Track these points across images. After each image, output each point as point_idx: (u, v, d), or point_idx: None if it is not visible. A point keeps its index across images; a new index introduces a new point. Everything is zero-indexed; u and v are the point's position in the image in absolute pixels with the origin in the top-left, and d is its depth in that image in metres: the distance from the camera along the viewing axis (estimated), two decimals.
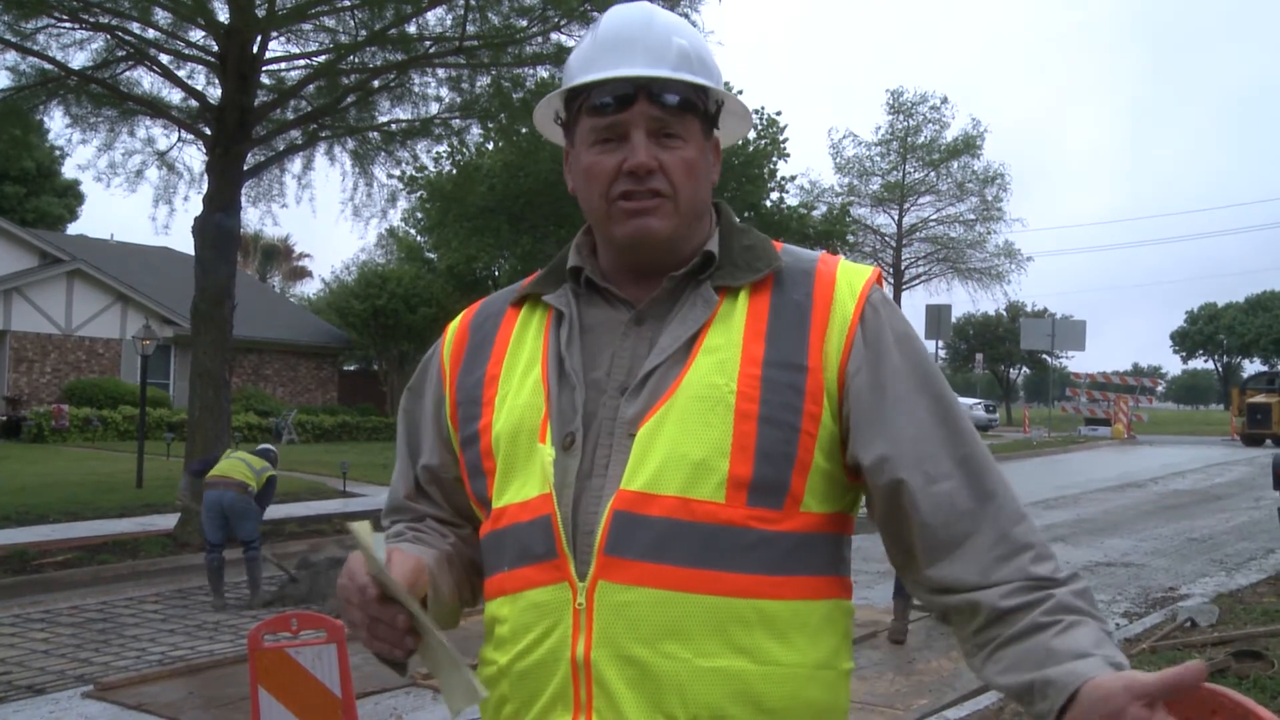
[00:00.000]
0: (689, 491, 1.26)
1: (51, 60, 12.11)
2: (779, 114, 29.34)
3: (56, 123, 25.45)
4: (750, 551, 1.26)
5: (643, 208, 1.35)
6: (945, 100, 40.01)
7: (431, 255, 34.05)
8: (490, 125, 14.81)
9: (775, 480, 1.28)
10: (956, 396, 1.36)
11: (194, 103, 12.98)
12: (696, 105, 1.38)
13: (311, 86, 13.36)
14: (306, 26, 12.87)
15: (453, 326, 1.55)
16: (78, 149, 24.60)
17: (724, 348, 1.32)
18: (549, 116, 1.50)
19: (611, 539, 1.26)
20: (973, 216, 39.91)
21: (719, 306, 1.36)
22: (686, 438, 1.28)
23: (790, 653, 1.27)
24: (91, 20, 11.79)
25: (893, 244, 40.31)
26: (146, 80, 13.43)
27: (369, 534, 1.26)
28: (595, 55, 1.39)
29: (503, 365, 1.44)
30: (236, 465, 8.96)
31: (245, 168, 12.68)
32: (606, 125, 1.36)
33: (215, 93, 12.60)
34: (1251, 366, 68.74)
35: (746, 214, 27.17)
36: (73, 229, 39.89)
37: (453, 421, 1.47)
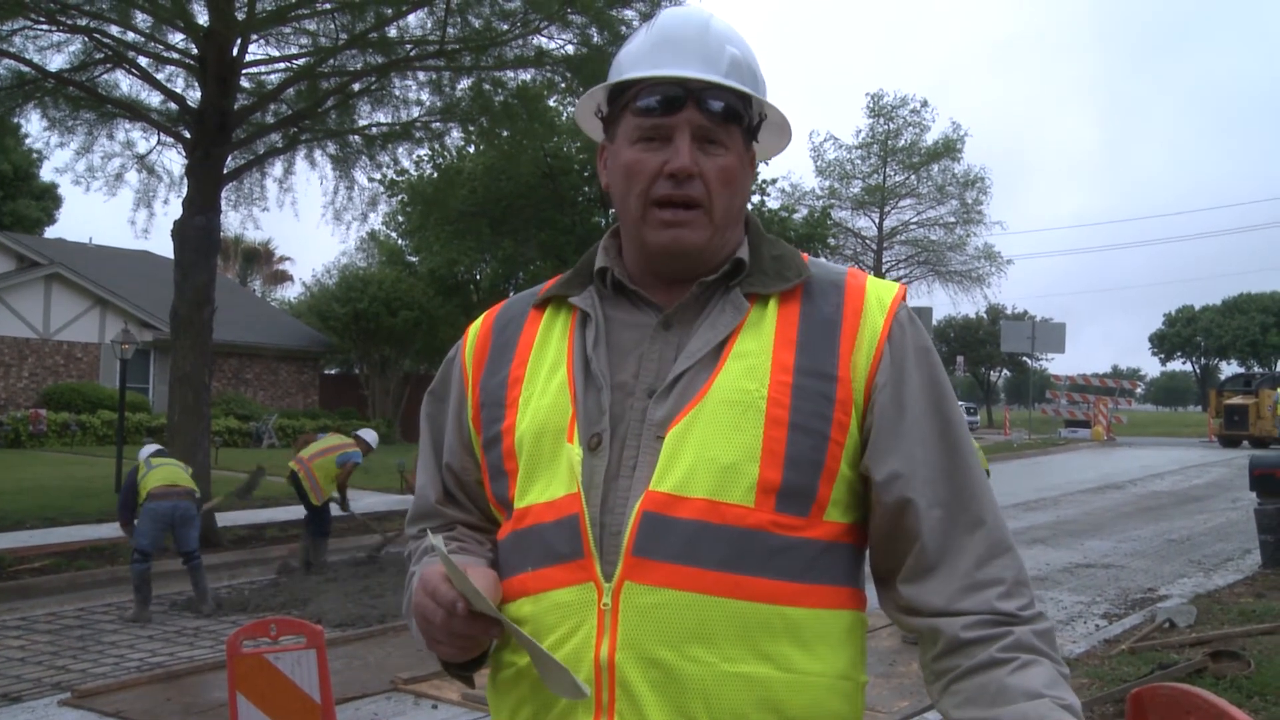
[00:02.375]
0: (718, 494, 1.26)
1: (28, 62, 12.02)
2: None
3: (34, 125, 25.28)
4: (776, 557, 1.26)
5: (678, 219, 1.35)
6: (925, 104, 40.43)
7: (413, 259, 33.95)
8: (471, 128, 14.80)
9: (803, 487, 1.28)
10: (963, 415, 1.38)
11: (173, 106, 12.91)
12: (741, 115, 1.38)
13: (292, 90, 13.31)
14: (286, 29, 12.81)
15: (474, 329, 1.54)
16: (55, 152, 24.44)
17: (755, 354, 1.33)
18: (590, 110, 1.48)
19: (640, 540, 1.25)
20: (953, 219, 40.20)
21: (749, 313, 1.36)
22: (717, 441, 1.28)
23: (814, 662, 1.27)
24: (69, 22, 11.70)
25: (874, 247, 40.51)
26: (125, 83, 13.36)
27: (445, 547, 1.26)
28: (648, 53, 1.38)
29: (527, 367, 1.43)
30: (179, 473, 8.75)
31: (225, 171, 12.62)
32: (652, 125, 1.36)
33: (195, 96, 12.54)
34: (1229, 368, 69.25)
35: None
36: (50, 232, 39.60)
37: (475, 424, 1.46)
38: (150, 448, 9.28)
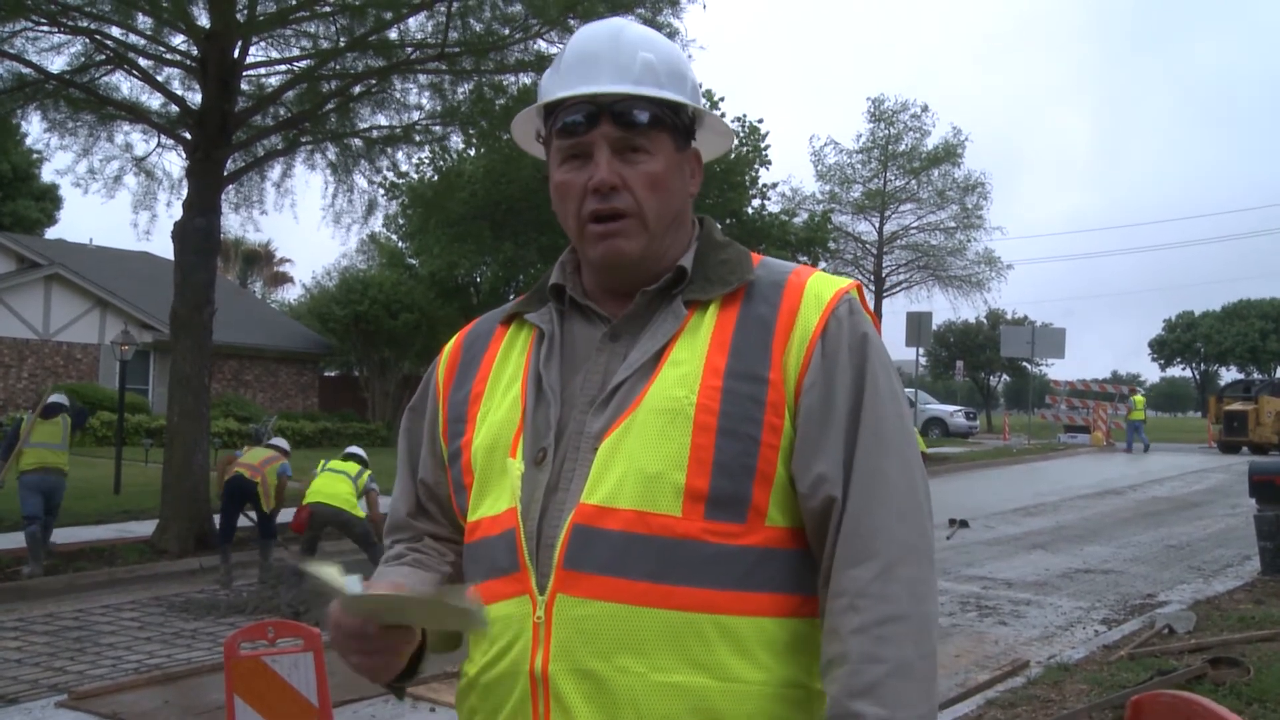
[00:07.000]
0: (645, 505, 1.26)
1: (29, 64, 12.02)
2: (760, 121, 29.45)
3: (34, 127, 25.27)
4: (710, 565, 1.25)
5: (611, 230, 1.36)
6: (926, 108, 40.30)
7: (413, 261, 33.94)
8: (472, 132, 14.79)
9: (735, 493, 1.27)
10: (904, 409, 1.34)
11: (174, 108, 12.90)
12: (664, 120, 1.38)
13: (292, 92, 13.32)
14: (287, 31, 12.82)
15: (448, 346, 1.57)
16: (56, 154, 24.37)
17: (688, 361, 1.32)
18: (530, 135, 1.51)
19: (570, 552, 1.26)
20: (953, 224, 40.12)
21: (687, 320, 1.36)
22: (645, 451, 1.28)
23: (755, 670, 1.26)
24: (70, 24, 11.70)
25: (874, 251, 40.46)
26: (126, 85, 13.35)
27: (336, 575, 1.25)
28: (564, 74, 1.40)
29: (487, 383, 1.45)
30: (49, 455, 10.39)
31: (226, 173, 12.62)
32: (572, 145, 1.37)
33: (195, 98, 12.53)
34: (1228, 374, 69.25)
35: (728, 221, 27.19)
36: (51, 233, 39.59)
37: (444, 438, 1.49)
38: (53, 399, 10.71)
